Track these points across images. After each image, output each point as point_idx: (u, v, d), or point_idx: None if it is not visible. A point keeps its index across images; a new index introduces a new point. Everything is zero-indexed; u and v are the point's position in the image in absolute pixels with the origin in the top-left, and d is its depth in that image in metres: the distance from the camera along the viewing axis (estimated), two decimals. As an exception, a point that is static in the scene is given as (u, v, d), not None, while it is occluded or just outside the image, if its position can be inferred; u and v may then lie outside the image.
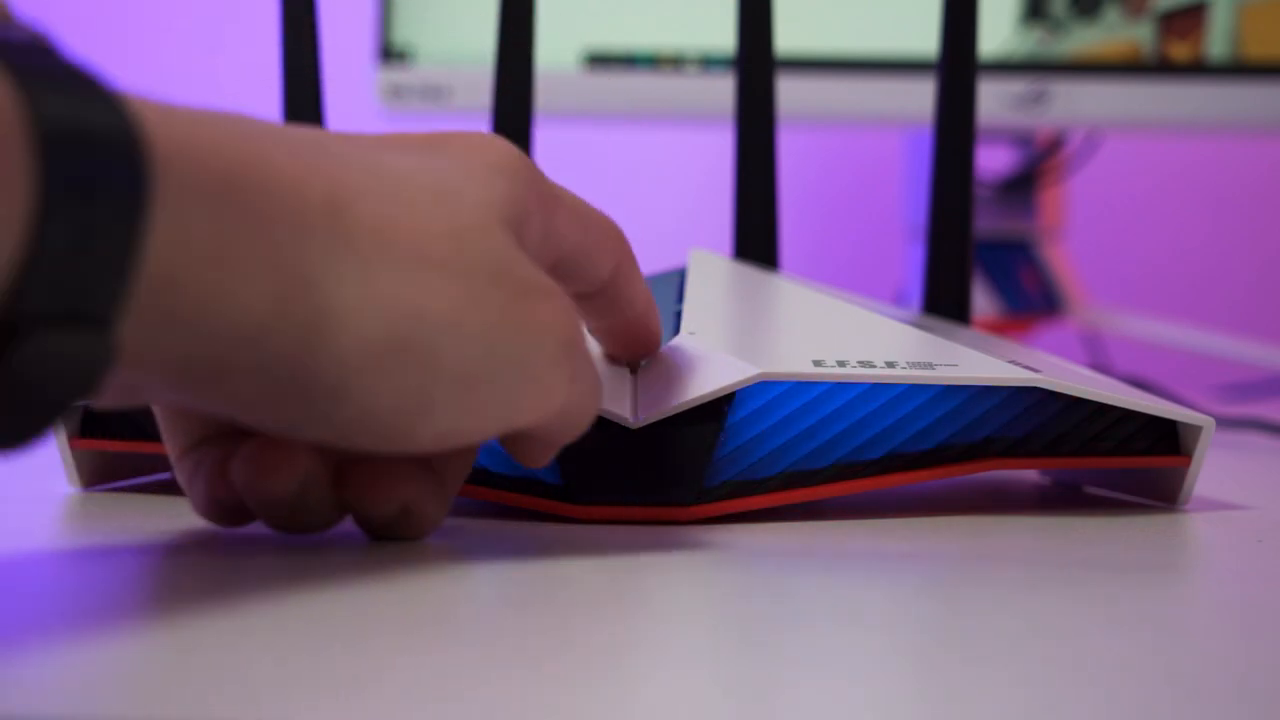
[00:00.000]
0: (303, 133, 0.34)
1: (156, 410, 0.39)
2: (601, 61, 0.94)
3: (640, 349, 0.44)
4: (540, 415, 0.36)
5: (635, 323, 0.42)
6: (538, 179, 0.38)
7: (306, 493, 0.36)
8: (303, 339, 0.31)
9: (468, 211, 0.35)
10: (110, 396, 0.32)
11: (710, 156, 1.23)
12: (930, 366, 0.44)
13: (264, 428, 0.34)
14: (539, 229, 0.37)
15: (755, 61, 0.59)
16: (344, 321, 0.32)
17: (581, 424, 0.38)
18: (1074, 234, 1.11)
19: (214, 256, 0.30)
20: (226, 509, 0.38)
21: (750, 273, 0.57)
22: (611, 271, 0.40)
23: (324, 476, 0.36)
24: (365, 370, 0.32)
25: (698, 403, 0.43)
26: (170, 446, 0.38)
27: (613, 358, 0.44)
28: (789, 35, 0.84)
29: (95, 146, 0.28)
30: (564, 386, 0.36)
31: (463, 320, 0.33)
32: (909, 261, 1.06)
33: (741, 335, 0.48)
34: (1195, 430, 0.46)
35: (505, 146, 0.37)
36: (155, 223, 0.28)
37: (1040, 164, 1.04)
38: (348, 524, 0.38)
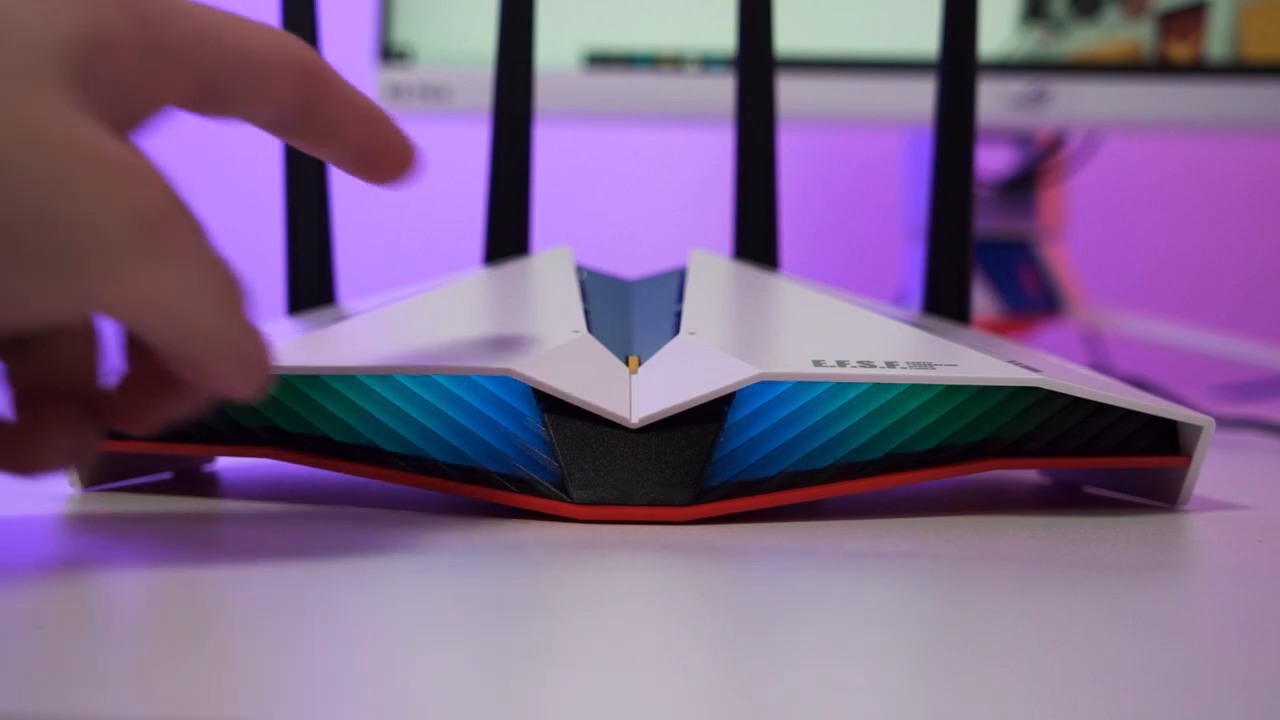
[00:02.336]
0: None
1: None
2: (601, 61, 0.94)
3: (390, 166, 0.40)
4: (113, 295, 0.32)
5: (367, 141, 0.39)
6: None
7: (73, 460, 0.36)
8: None
9: (25, 52, 0.31)
10: None
11: (710, 156, 1.23)
12: (930, 366, 0.44)
13: None
14: (134, 51, 0.34)
15: (755, 61, 0.59)
16: None
17: (195, 337, 0.34)
18: (1074, 234, 1.11)
19: None
20: None
21: (750, 273, 0.57)
22: (294, 89, 0.37)
23: (88, 445, 0.36)
24: None
25: (697, 403, 0.43)
26: None
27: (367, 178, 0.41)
28: (789, 35, 0.84)
29: None
30: (142, 267, 0.32)
31: (7, 163, 0.30)
32: (909, 261, 1.06)
33: (741, 335, 0.48)
34: (1195, 430, 0.46)
35: None
36: None
37: (1040, 164, 1.04)
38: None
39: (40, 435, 0.35)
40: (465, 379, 0.44)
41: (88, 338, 0.36)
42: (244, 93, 0.36)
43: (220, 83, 0.36)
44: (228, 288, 0.34)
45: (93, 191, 0.31)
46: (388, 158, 0.40)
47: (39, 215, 0.31)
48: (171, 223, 0.33)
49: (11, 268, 0.31)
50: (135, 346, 0.36)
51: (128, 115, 0.34)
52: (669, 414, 0.43)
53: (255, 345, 0.35)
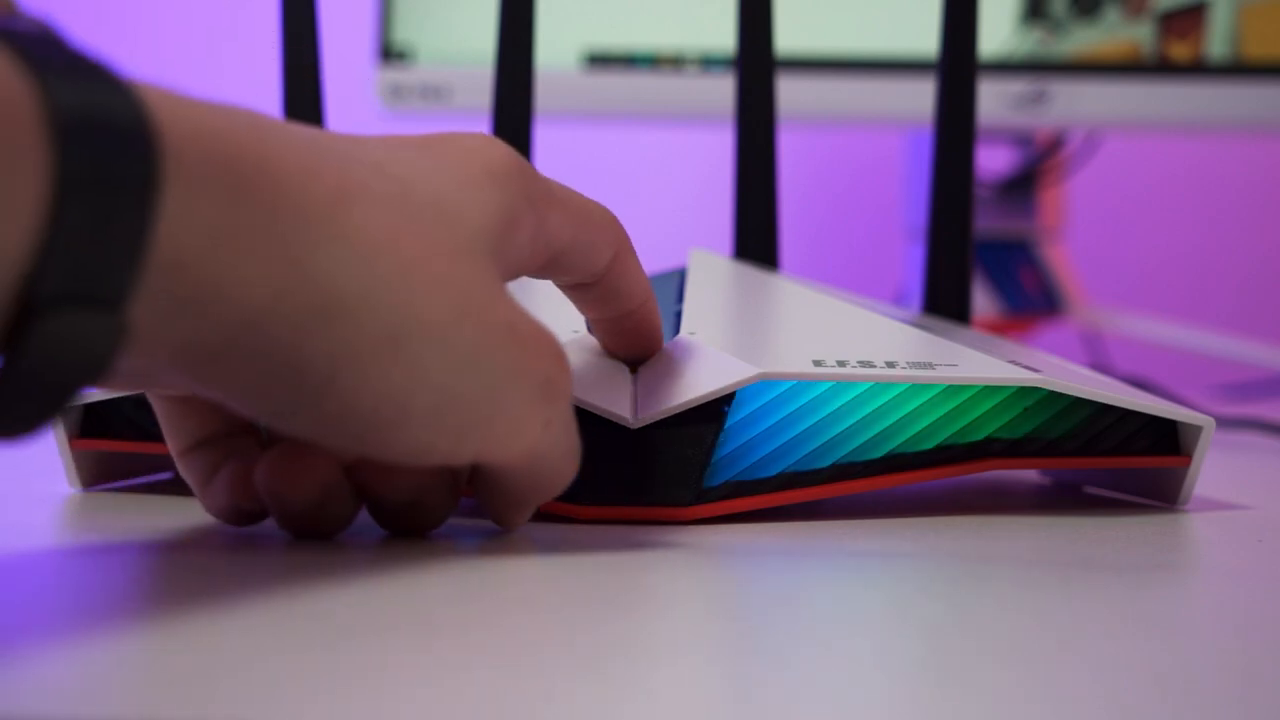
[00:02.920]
0: (307, 131, 0.34)
1: (157, 407, 0.40)
2: (601, 61, 0.94)
3: (641, 343, 0.44)
4: (508, 453, 0.36)
5: (634, 314, 0.43)
6: (530, 182, 0.38)
7: (327, 500, 0.37)
8: (300, 327, 0.32)
9: (467, 234, 0.35)
10: (118, 381, 0.32)
11: (710, 156, 1.23)
12: (930, 366, 0.44)
13: (253, 414, 0.35)
14: (529, 231, 0.38)
15: (755, 61, 0.59)
16: (341, 313, 0.32)
17: (552, 483, 0.38)
18: (1074, 234, 1.11)
19: (221, 242, 0.30)
20: (245, 514, 0.39)
21: (750, 273, 0.57)
22: (608, 262, 0.41)
23: (344, 484, 0.37)
24: (354, 364, 0.33)
25: (698, 403, 0.43)
26: (171, 444, 0.40)
27: (614, 354, 0.44)
28: (789, 35, 0.84)
29: (107, 132, 0.28)
30: (536, 430, 0.36)
31: (452, 337, 0.34)
32: (909, 261, 1.06)
33: (741, 335, 0.48)
34: (1195, 430, 0.46)
35: (500, 153, 0.38)
36: (165, 207, 0.29)
37: (1040, 164, 1.04)
38: (354, 523, 0.38)
39: (299, 466, 0.37)
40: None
41: None
42: (575, 268, 0.40)
43: (563, 261, 0.40)
44: (575, 447, 0.38)
45: (510, 364, 0.35)
46: (641, 337, 0.44)
47: (466, 384, 0.34)
48: (561, 390, 0.36)
49: (432, 427, 0.34)
50: None
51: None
52: (669, 414, 0.43)
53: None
